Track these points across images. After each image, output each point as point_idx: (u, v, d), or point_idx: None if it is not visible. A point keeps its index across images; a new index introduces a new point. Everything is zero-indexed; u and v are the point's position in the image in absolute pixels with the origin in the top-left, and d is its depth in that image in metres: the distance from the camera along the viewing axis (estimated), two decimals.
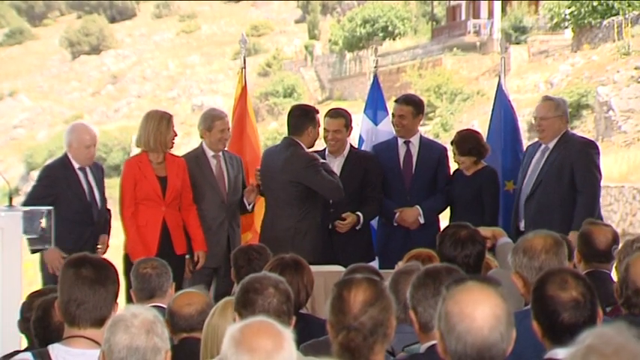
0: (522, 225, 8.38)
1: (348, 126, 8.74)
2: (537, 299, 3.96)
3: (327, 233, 8.49)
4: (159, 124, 8.25)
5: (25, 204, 8.01)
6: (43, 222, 6.76)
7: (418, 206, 8.75)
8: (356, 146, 9.64)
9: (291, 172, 8.24)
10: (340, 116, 8.76)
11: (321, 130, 8.62)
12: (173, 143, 8.37)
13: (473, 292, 3.34)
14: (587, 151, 8.38)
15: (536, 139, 8.76)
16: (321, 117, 8.57)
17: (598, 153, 8.48)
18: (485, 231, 5.85)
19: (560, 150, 8.34)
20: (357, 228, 8.58)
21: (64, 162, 8.36)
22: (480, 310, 3.29)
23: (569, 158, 8.27)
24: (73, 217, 8.03)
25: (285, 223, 8.29)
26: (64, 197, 8.09)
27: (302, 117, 8.41)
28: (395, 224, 8.80)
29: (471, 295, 3.33)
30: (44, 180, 8.34)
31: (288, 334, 3.16)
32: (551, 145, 8.41)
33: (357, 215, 8.54)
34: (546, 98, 8.86)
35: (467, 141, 8.76)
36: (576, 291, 3.91)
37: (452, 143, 8.83)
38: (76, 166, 8.31)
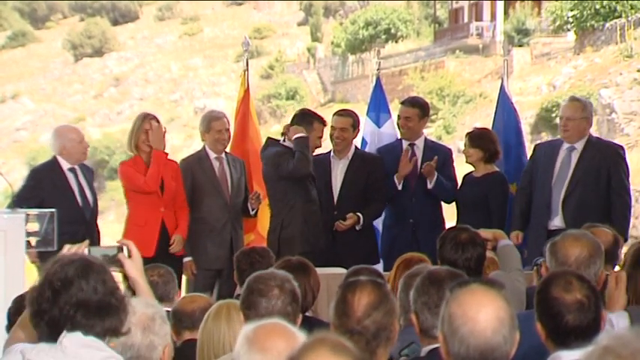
0: (556, 223, 8.38)
1: (355, 126, 8.78)
2: (541, 301, 3.96)
3: (331, 235, 8.51)
4: (132, 127, 8.30)
5: (11, 205, 8.08)
6: (45, 225, 6.76)
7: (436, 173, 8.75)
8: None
9: (268, 173, 8.33)
10: (348, 115, 8.84)
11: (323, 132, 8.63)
12: (164, 141, 8.39)
13: (476, 295, 3.34)
14: (621, 155, 8.62)
15: (550, 138, 8.86)
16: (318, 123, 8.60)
17: (626, 155, 8.77)
18: (485, 233, 5.82)
19: (594, 152, 8.40)
20: (357, 228, 8.58)
21: (51, 164, 8.51)
22: (484, 313, 3.29)
23: (605, 161, 8.39)
24: (63, 217, 8.01)
25: (276, 221, 8.33)
26: (51, 199, 8.10)
27: (299, 119, 8.43)
28: (399, 188, 8.79)
29: (474, 298, 3.33)
30: (30, 182, 8.45)
31: (300, 335, 3.18)
32: (578, 145, 8.45)
33: (358, 216, 8.56)
34: (573, 99, 8.90)
35: (481, 136, 8.79)
36: (581, 293, 3.90)
37: (467, 135, 8.87)
38: (66, 167, 8.40)
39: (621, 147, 8.99)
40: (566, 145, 8.51)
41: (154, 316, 3.74)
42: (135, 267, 4.28)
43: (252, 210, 8.79)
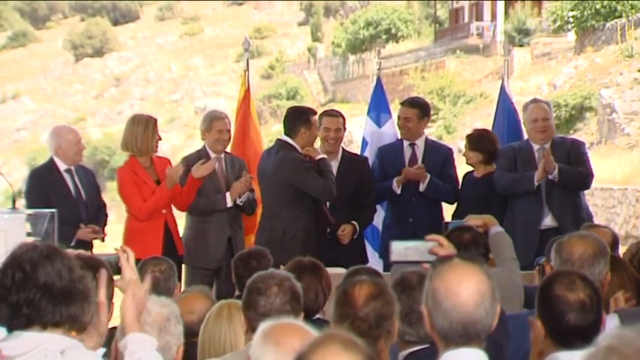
0: (548, 220, 8.45)
1: (344, 126, 8.81)
2: (544, 299, 3.96)
3: (324, 238, 8.51)
4: (145, 129, 8.29)
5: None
6: (45, 225, 6.77)
7: (429, 174, 8.76)
8: (359, 148, 9.65)
9: (281, 174, 8.22)
10: (339, 116, 8.82)
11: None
12: (157, 147, 8.43)
13: (458, 270, 3.41)
14: (582, 147, 8.86)
15: (514, 143, 8.94)
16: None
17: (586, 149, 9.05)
18: (475, 219, 5.77)
19: (560, 151, 8.51)
20: (355, 237, 8.61)
21: (49, 166, 8.48)
22: (465, 287, 3.36)
23: (569, 156, 8.54)
24: (61, 217, 8.02)
25: (276, 225, 8.27)
26: (51, 199, 8.11)
27: (295, 118, 8.38)
28: (398, 192, 8.78)
29: (455, 273, 3.40)
30: (33, 186, 8.42)
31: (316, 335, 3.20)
32: (547, 146, 8.55)
33: (353, 224, 8.58)
34: (539, 100, 9.04)
35: (480, 137, 8.78)
36: (584, 293, 3.91)
37: (466, 137, 8.85)
38: (63, 168, 8.39)
39: (582, 143, 9.20)
40: (536, 147, 8.58)
41: (169, 316, 3.74)
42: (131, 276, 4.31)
43: (232, 198, 8.64)
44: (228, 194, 8.56)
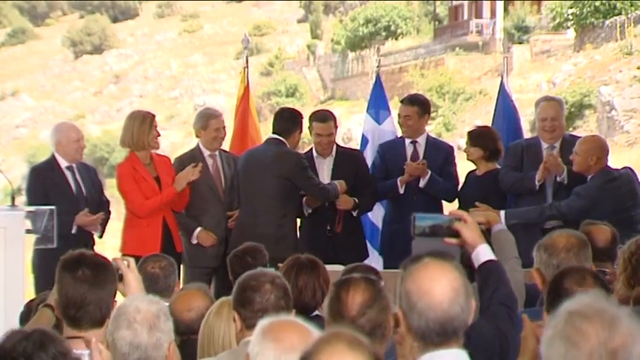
0: (551, 222, 8.36)
1: (336, 126, 8.79)
2: (552, 290, 3.97)
3: (324, 236, 8.52)
4: (141, 124, 8.28)
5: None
6: (45, 222, 6.77)
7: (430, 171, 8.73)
8: (359, 145, 9.65)
9: (281, 169, 8.24)
10: (329, 119, 8.73)
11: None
12: (158, 143, 8.41)
13: (429, 269, 3.40)
14: None
15: (522, 140, 8.88)
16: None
17: None
18: (478, 216, 5.73)
19: (568, 149, 8.33)
20: (354, 214, 8.61)
21: (50, 162, 8.53)
22: (438, 286, 3.35)
23: None
24: (61, 214, 8.01)
25: (267, 219, 8.26)
26: (51, 196, 8.14)
27: (291, 120, 8.45)
28: (401, 192, 8.76)
29: (427, 272, 3.39)
30: (33, 182, 8.43)
31: (315, 332, 3.19)
32: (557, 144, 8.45)
33: (354, 200, 8.59)
34: (551, 98, 8.90)
35: (481, 134, 8.76)
36: (593, 288, 3.91)
37: (468, 133, 8.85)
38: (64, 165, 8.42)
39: None
40: (545, 145, 8.49)
41: (158, 313, 3.73)
42: (135, 282, 4.30)
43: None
44: (196, 232, 8.54)
